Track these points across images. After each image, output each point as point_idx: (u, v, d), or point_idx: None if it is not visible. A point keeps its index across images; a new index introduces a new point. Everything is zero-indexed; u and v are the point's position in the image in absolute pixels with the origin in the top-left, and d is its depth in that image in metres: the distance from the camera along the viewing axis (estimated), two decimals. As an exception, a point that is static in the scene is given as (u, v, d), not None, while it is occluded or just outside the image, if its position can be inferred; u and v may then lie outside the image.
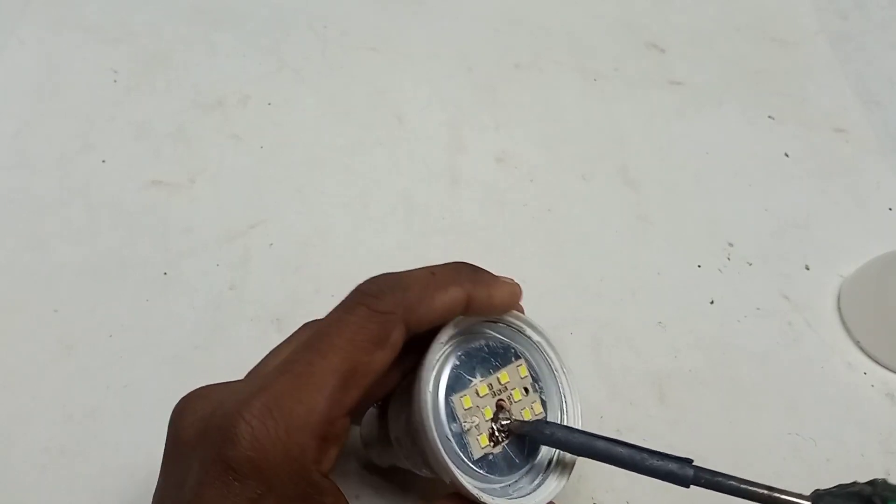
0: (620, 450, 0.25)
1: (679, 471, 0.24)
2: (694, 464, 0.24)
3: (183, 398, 0.26)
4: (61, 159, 0.44)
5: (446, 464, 0.25)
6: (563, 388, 0.29)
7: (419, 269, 0.27)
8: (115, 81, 0.48)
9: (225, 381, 0.26)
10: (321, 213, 0.43)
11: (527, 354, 0.29)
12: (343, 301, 0.25)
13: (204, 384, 0.26)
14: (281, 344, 0.26)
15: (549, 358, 0.29)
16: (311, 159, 0.45)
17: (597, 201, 0.45)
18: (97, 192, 0.42)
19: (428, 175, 0.45)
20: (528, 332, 0.29)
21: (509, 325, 0.29)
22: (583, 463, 0.28)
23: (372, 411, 0.32)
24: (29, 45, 0.49)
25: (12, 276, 0.39)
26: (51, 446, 0.34)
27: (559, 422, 0.29)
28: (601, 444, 0.25)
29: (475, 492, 0.25)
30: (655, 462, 0.25)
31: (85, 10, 0.51)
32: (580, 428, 0.28)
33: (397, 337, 0.25)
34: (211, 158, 0.45)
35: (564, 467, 0.28)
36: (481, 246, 0.42)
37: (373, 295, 0.25)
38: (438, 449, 0.25)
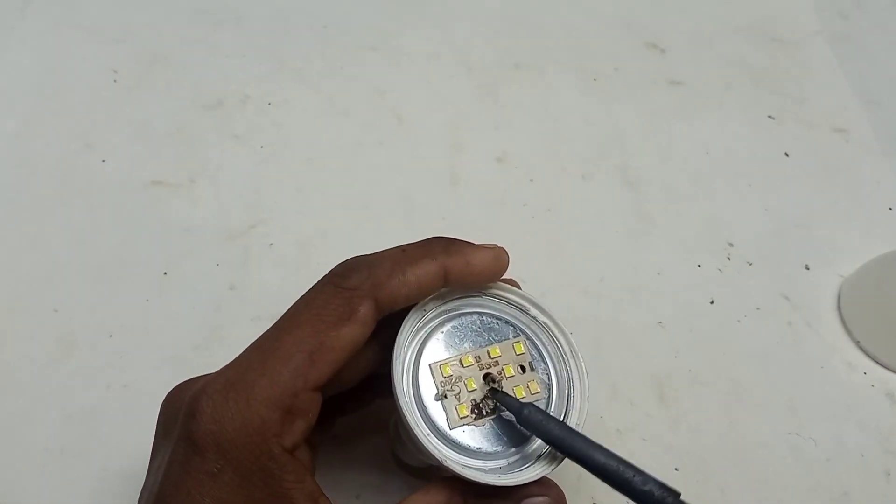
0: (598, 455, 0.23)
1: (659, 496, 0.21)
2: (682, 498, 0.22)
3: (172, 388, 0.26)
4: (61, 159, 0.44)
5: (410, 425, 0.25)
6: (571, 371, 0.28)
7: (392, 247, 0.27)
8: (115, 81, 0.48)
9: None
10: (321, 213, 0.43)
11: (529, 333, 0.28)
12: (314, 283, 0.26)
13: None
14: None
15: (558, 341, 0.28)
16: (311, 159, 0.45)
17: (597, 201, 0.45)
18: (97, 192, 0.42)
19: (428, 175, 0.45)
20: (534, 311, 0.29)
21: (511, 303, 0.29)
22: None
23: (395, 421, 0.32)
24: (29, 45, 0.49)
25: (12, 276, 0.39)
26: (51, 446, 0.34)
27: (563, 408, 0.27)
28: (579, 443, 0.24)
29: (436, 453, 0.24)
30: (635, 479, 0.22)
31: (85, 10, 0.51)
32: (571, 424, 0.27)
33: (366, 312, 0.25)
34: (211, 158, 0.45)
35: (555, 456, 0.26)
36: (481, 246, 0.42)
37: (339, 274, 0.26)
38: (404, 410, 0.25)
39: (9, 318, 0.38)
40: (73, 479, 0.33)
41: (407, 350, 0.26)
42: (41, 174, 0.43)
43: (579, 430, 0.26)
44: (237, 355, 0.25)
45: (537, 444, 0.27)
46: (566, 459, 0.26)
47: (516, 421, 0.26)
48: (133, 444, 0.34)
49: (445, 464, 0.24)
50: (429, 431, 0.25)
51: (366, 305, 0.25)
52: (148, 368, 0.36)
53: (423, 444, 0.25)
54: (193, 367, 0.36)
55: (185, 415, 0.23)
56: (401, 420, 0.25)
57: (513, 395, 0.27)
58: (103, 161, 0.44)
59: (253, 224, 0.42)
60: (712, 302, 0.42)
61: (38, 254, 0.40)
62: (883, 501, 0.36)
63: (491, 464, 0.26)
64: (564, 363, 0.28)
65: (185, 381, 0.26)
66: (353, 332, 0.24)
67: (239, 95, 0.48)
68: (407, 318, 0.26)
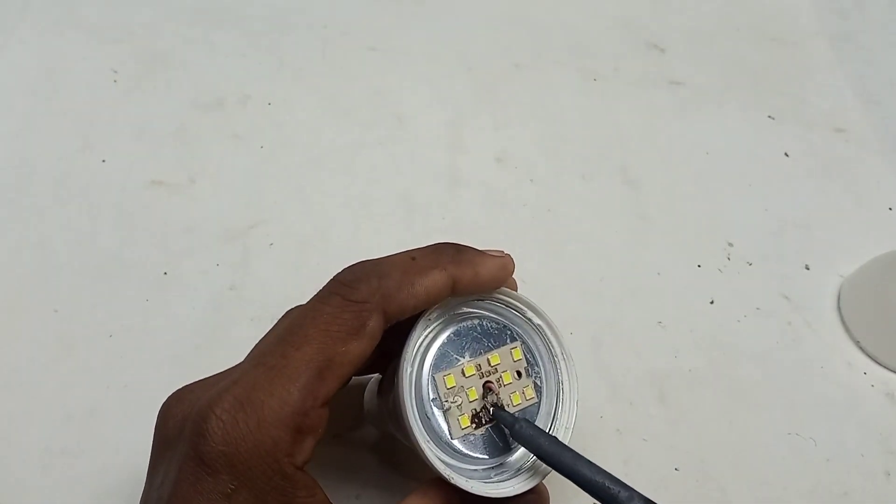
0: (585, 470, 0.24)
1: None
2: None
3: (168, 397, 0.26)
4: (61, 159, 0.44)
5: (417, 441, 0.25)
6: (561, 374, 0.28)
7: (400, 253, 0.26)
8: (115, 81, 0.48)
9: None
10: (321, 213, 0.43)
11: (524, 337, 0.28)
12: (319, 291, 0.25)
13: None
14: (264, 335, 0.26)
15: (550, 343, 0.29)
16: (311, 159, 0.45)
17: (597, 201, 0.45)
18: (97, 192, 0.42)
19: (428, 175, 0.45)
20: (529, 314, 0.29)
21: (509, 305, 0.29)
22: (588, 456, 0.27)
23: (374, 383, 0.32)
24: (29, 45, 0.49)
25: (12, 276, 0.39)
26: (51, 446, 0.34)
27: (553, 410, 0.28)
28: (568, 458, 0.24)
29: (443, 469, 0.25)
30: (621, 495, 0.23)
31: (85, 10, 0.51)
32: (560, 426, 0.28)
33: (374, 326, 0.24)
34: (211, 158, 0.45)
35: None
36: (481, 246, 0.42)
37: (347, 284, 0.25)
38: (411, 426, 0.25)
39: (9, 318, 0.38)
40: (73, 479, 0.33)
41: (410, 362, 0.26)
42: (41, 174, 0.43)
43: (567, 440, 0.27)
44: (238, 366, 0.25)
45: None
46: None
47: (510, 435, 0.26)
48: (133, 444, 0.34)
49: (453, 482, 0.25)
50: (435, 446, 0.26)
51: (374, 319, 0.24)
52: (148, 368, 0.36)
53: (431, 463, 0.25)
54: (193, 367, 0.37)
55: (193, 434, 0.23)
56: (404, 431, 0.26)
57: (509, 402, 0.27)
58: (103, 161, 0.44)
59: (253, 224, 0.42)
60: (712, 302, 0.42)
61: (38, 254, 0.40)
62: (883, 501, 0.36)
63: (484, 467, 0.27)
64: (555, 366, 0.29)
65: (181, 389, 0.26)
66: (361, 347, 0.24)
67: (239, 95, 0.48)
68: (413, 331, 0.26)
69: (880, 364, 0.40)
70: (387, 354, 0.28)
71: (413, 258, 0.26)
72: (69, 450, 0.34)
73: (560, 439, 0.26)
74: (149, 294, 0.39)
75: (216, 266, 0.40)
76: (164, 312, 0.38)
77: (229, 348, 0.37)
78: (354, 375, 0.31)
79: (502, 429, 0.27)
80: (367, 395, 0.33)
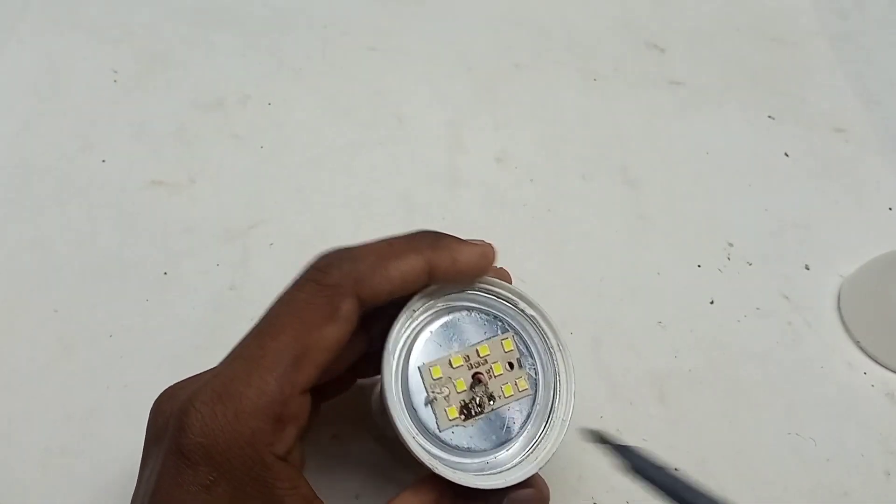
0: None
1: None
2: None
3: (160, 394, 0.26)
4: (61, 159, 0.44)
5: (400, 432, 0.25)
6: (557, 366, 0.28)
7: (378, 239, 0.26)
8: (115, 81, 0.48)
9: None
10: (321, 213, 0.43)
11: (517, 328, 0.28)
12: (294, 279, 0.25)
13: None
14: None
15: (545, 334, 0.28)
16: (311, 159, 0.45)
17: (597, 201, 0.45)
18: (97, 192, 0.42)
19: (428, 175, 0.45)
20: (521, 305, 0.28)
21: (500, 297, 0.28)
22: (581, 462, 0.27)
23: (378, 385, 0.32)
24: (29, 45, 0.49)
25: (12, 276, 0.39)
26: (51, 446, 0.34)
27: (550, 402, 0.28)
28: (689, 495, 0.23)
29: (427, 459, 0.24)
30: None
31: (85, 10, 0.51)
32: (557, 419, 0.27)
33: (348, 310, 0.24)
34: (211, 158, 0.45)
35: (543, 448, 0.27)
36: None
37: (321, 269, 0.25)
38: (394, 416, 0.25)
39: (9, 319, 0.38)
40: (73, 479, 0.33)
41: (397, 353, 0.26)
42: (41, 174, 0.43)
43: (564, 433, 0.26)
44: (221, 361, 0.25)
45: (521, 440, 0.27)
46: (552, 457, 0.26)
47: (628, 468, 0.25)
48: (133, 444, 0.33)
49: (437, 472, 0.24)
50: (423, 438, 0.25)
51: (348, 303, 0.24)
52: (148, 368, 0.36)
53: (414, 454, 0.25)
54: (193, 367, 0.36)
55: (174, 427, 0.23)
56: (391, 423, 0.25)
57: (501, 393, 0.27)
58: (103, 161, 0.44)
59: (253, 224, 0.42)
60: (712, 302, 0.42)
61: (38, 254, 0.40)
62: (883, 501, 0.36)
63: (478, 461, 0.26)
64: (552, 357, 0.28)
65: (172, 386, 0.26)
66: (336, 332, 0.24)
67: (239, 95, 0.48)
68: (396, 321, 0.26)
69: (880, 364, 0.40)
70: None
71: (390, 243, 0.26)
72: (69, 450, 0.34)
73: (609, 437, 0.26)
74: (149, 294, 0.39)
75: (216, 266, 0.40)
76: (164, 312, 0.38)
77: (229, 348, 0.37)
78: (359, 378, 0.31)
79: (495, 421, 0.27)
80: (373, 396, 0.33)
